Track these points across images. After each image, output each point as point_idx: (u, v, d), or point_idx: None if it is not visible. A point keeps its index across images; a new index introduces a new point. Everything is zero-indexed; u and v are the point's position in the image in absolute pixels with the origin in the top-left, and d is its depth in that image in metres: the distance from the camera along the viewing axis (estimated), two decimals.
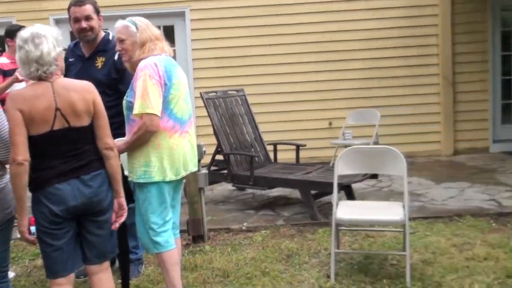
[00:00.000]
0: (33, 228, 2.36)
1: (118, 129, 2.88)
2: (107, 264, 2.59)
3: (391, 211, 3.38)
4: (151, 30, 2.90)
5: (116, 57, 3.29)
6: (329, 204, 4.55)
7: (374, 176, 4.97)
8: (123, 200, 2.53)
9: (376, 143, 6.44)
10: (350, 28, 7.59)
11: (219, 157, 5.58)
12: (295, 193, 5.48)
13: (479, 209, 4.82)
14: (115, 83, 3.35)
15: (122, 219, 2.55)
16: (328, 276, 3.41)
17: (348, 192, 4.94)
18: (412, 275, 3.31)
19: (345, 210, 3.45)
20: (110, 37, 3.47)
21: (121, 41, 2.88)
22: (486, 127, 7.81)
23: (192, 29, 7.57)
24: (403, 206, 3.35)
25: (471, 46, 7.67)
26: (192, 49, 7.58)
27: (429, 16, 7.59)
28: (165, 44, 2.95)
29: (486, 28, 7.68)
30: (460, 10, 7.60)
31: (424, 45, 7.65)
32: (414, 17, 7.61)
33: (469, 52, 7.67)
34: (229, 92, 5.87)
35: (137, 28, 2.86)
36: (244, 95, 5.93)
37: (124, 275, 3.16)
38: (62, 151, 2.34)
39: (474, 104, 7.74)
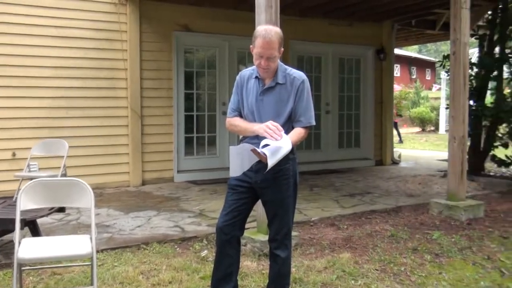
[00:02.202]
0: None
1: None
2: None
3: (78, 245, 3.37)
4: None
5: None
6: (12, 243, 4.22)
7: (62, 210, 4.85)
8: None
9: (64, 175, 6.28)
10: (37, 54, 7.30)
11: None
12: None
13: (164, 235, 5.19)
14: None
15: None
16: None
17: (33, 228, 4.67)
18: None
19: (28, 248, 3.27)
20: None
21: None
22: (171, 158, 8.53)
23: None
24: (91, 239, 3.38)
25: (157, 83, 8.32)
26: None
27: (119, 51, 7.92)
28: None
29: (171, 67, 8.48)
30: (147, 47, 8.19)
31: (114, 78, 7.93)
32: (104, 50, 7.82)
33: (156, 88, 8.31)
34: None
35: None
36: None
37: None
38: None
39: (160, 136, 8.39)
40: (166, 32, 8.37)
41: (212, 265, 3.29)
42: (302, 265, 4.27)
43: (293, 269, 3.94)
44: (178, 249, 4.84)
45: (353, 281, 3.93)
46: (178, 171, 8.67)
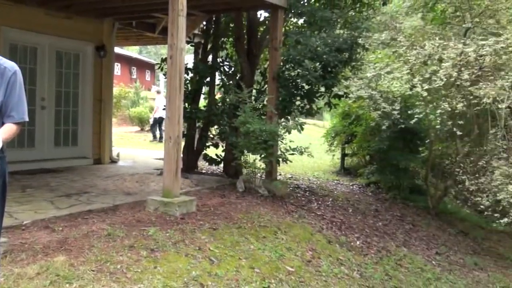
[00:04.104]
0: None
1: None
2: None
3: None
4: None
5: None
6: None
7: None
8: None
9: None
10: None
11: None
12: None
13: None
14: None
15: None
16: None
17: None
18: None
19: None
20: None
21: None
22: None
23: None
24: None
25: None
26: None
27: None
28: None
29: None
30: None
31: None
32: None
33: None
34: None
35: None
36: None
37: None
38: None
39: None
40: None
41: None
42: (12, 273, 3.96)
43: (1, 279, 3.64)
44: None
45: (67, 285, 3.85)
46: None
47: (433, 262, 7.50)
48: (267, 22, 10.18)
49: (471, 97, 8.50)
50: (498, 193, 8.08)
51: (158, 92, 19.99)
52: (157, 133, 18.76)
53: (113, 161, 11.31)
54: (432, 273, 6.92)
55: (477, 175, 9.01)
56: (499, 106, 8.06)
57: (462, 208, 11.91)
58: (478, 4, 9.46)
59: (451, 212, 11.23)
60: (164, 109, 9.51)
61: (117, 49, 20.38)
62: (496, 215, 8.29)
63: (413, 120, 9.32)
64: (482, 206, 8.66)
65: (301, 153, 8.22)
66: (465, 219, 11.10)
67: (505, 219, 7.97)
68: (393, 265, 6.77)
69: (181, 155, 6.84)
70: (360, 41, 8.97)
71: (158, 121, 18.56)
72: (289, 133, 8.15)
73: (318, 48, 8.43)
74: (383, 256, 7.02)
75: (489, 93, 7.89)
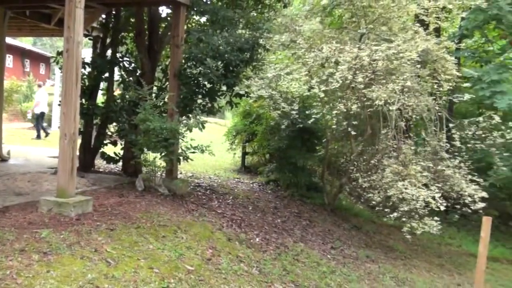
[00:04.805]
0: None
1: None
2: None
3: None
4: None
5: None
6: None
7: None
8: None
9: None
10: None
11: None
12: None
13: None
14: None
15: None
16: None
17: None
18: None
19: None
20: None
21: None
22: None
23: None
24: None
25: None
26: None
27: None
28: None
29: None
30: None
31: None
32: None
33: None
34: None
35: None
36: None
37: None
38: None
39: None
40: None
41: None
42: None
43: None
44: None
45: None
46: None
47: (328, 256, 7.88)
48: (169, 18, 10.09)
49: (365, 99, 9.03)
50: (389, 189, 8.66)
51: (39, 86, 18.88)
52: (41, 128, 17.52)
53: (3, 159, 10.66)
54: (328, 266, 7.26)
55: (369, 173, 9.57)
56: (390, 108, 8.63)
57: (356, 204, 12.58)
58: (372, 11, 10.03)
59: (345, 208, 11.83)
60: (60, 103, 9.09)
61: (9, 40, 19.12)
62: (386, 210, 8.88)
63: (311, 120, 9.72)
64: (374, 202, 9.22)
65: (202, 151, 8.26)
66: (358, 214, 11.75)
67: (395, 214, 8.56)
68: (291, 260, 7.02)
69: (77, 153, 6.61)
70: (261, 41, 9.18)
71: (40, 116, 17.48)
72: (190, 131, 8.16)
73: (220, 47, 8.51)
74: (282, 252, 7.26)
75: (381, 95, 8.44)
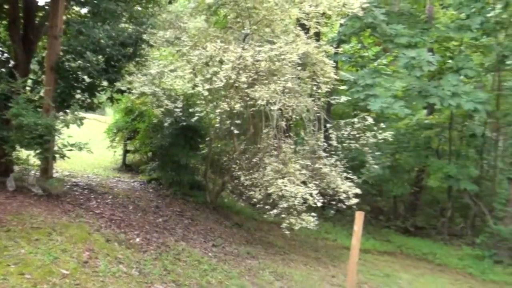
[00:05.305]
0: None
1: None
2: None
3: None
4: None
5: None
6: None
7: None
8: None
9: None
10: None
11: None
12: None
13: None
14: None
15: None
16: None
17: None
18: None
19: None
20: None
21: None
22: None
23: None
24: None
25: None
26: None
27: None
28: None
29: None
30: None
31: None
32: None
33: None
34: None
35: None
36: None
37: None
38: None
39: None
40: None
41: None
42: None
43: None
44: None
45: None
46: None
47: (210, 254, 7.98)
48: (47, 7, 9.53)
49: (248, 98, 9.26)
50: (269, 187, 8.98)
51: None
52: None
53: None
54: (209, 264, 7.36)
55: (251, 171, 9.84)
56: (272, 108, 8.94)
57: (238, 202, 12.85)
58: (256, 13, 10.28)
59: (228, 206, 12.03)
60: None
61: None
62: (267, 207, 9.19)
63: (195, 118, 9.75)
64: (255, 200, 9.50)
65: (80, 149, 7.97)
66: (240, 212, 12.01)
67: (275, 211, 8.89)
68: (172, 260, 7.01)
69: None
70: (145, 37, 9.03)
71: None
72: (68, 127, 7.81)
73: (102, 41, 8.24)
74: (163, 251, 7.22)
75: (264, 95, 8.71)
